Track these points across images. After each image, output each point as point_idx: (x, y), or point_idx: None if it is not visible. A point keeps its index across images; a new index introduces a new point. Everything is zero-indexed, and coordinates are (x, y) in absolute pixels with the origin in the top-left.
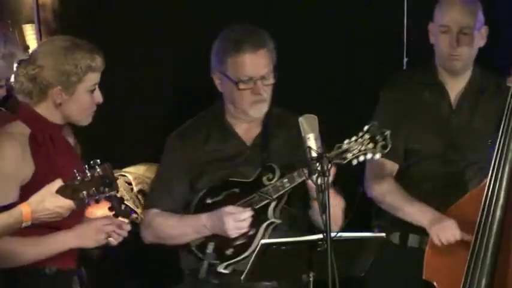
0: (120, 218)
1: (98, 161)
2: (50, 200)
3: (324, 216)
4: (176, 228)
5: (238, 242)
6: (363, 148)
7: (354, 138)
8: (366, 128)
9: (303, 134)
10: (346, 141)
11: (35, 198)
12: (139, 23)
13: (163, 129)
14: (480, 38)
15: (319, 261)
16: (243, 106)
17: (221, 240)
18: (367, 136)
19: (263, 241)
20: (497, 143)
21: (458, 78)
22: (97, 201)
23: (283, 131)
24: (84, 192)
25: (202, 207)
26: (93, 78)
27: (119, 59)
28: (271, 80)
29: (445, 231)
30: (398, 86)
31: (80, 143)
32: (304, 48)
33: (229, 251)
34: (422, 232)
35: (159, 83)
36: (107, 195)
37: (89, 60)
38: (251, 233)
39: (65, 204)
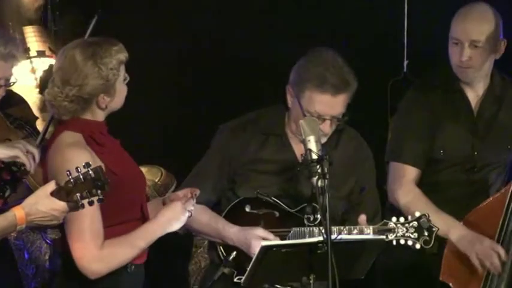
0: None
1: (90, 162)
2: (44, 203)
3: (324, 218)
4: (204, 227)
5: None
6: (406, 234)
7: (402, 220)
8: (418, 214)
9: (303, 136)
10: (393, 219)
11: (29, 201)
12: (138, 23)
13: (163, 131)
14: (495, 50)
15: (319, 264)
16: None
17: (245, 254)
18: (415, 224)
19: (263, 243)
20: None
21: (475, 87)
22: (90, 204)
23: (340, 151)
24: (78, 195)
25: (239, 211)
26: (123, 69)
27: None
28: (339, 118)
29: (490, 253)
30: (422, 93)
31: None
32: (304, 50)
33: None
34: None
35: (160, 85)
36: (101, 197)
37: (117, 54)
38: None
39: (59, 207)
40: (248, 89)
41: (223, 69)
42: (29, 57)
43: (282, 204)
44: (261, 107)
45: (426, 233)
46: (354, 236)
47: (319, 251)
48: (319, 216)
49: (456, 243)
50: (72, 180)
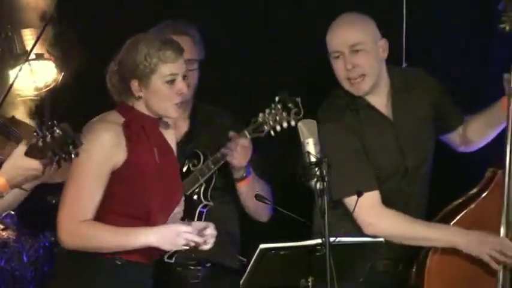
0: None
1: (55, 122)
2: (20, 164)
3: (323, 220)
4: None
5: None
6: (278, 118)
7: (267, 111)
8: (277, 98)
9: (302, 139)
10: (260, 115)
11: (5, 167)
12: (137, 26)
13: None
14: (380, 51)
15: (318, 266)
16: None
17: None
18: (279, 106)
19: (262, 246)
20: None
21: (378, 93)
22: (66, 160)
23: (212, 128)
24: (50, 153)
25: None
26: (168, 69)
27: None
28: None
29: (505, 250)
30: (335, 120)
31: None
32: (302, 51)
33: None
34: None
35: None
36: (74, 152)
37: (159, 51)
38: (187, 220)
39: (34, 165)
40: (250, 90)
41: (224, 70)
42: (28, 60)
43: None
44: (257, 106)
45: (293, 105)
46: (352, 239)
47: (317, 254)
48: (201, 157)
49: (466, 249)
50: (40, 138)
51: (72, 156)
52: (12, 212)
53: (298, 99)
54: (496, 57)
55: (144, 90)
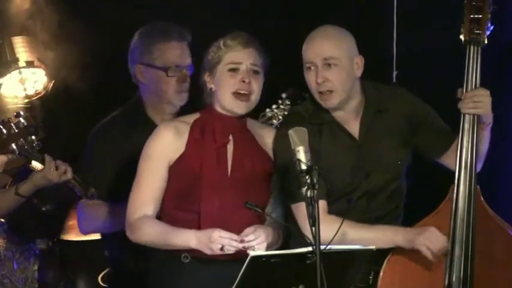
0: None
1: (21, 112)
2: None
3: (313, 229)
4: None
5: None
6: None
7: (275, 106)
8: (284, 94)
9: (292, 147)
10: (268, 110)
11: None
12: (129, 33)
13: None
14: (355, 68)
15: (309, 274)
16: (168, 95)
17: None
18: (287, 102)
19: (252, 254)
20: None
21: (348, 110)
22: (27, 152)
23: None
24: (13, 145)
25: None
26: (230, 57)
27: (104, 68)
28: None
29: (435, 239)
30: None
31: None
32: (294, 60)
33: None
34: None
35: None
36: (36, 143)
37: (225, 41)
38: None
39: None
40: None
41: None
42: (18, 68)
43: None
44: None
45: (301, 101)
46: (343, 246)
47: (308, 261)
48: None
49: (406, 245)
50: (5, 132)
51: (34, 146)
52: (2, 220)
53: (307, 95)
54: (485, 63)
55: (212, 82)
